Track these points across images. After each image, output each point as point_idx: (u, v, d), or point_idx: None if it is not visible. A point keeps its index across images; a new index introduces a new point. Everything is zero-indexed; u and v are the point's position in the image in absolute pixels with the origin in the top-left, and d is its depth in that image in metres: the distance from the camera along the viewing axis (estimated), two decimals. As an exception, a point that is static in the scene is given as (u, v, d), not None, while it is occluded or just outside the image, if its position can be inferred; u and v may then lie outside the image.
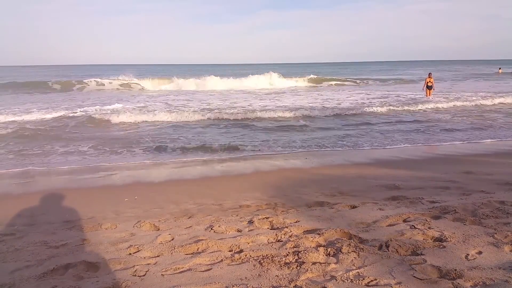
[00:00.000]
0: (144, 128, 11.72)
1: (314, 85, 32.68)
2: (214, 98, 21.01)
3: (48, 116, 13.78)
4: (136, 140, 9.55)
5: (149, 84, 31.20)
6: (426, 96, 18.95)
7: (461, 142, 9.04)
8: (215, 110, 14.92)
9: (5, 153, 8.30)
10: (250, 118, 13.31)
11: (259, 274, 2.68)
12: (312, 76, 35.64)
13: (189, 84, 30.46)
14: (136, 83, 31.22)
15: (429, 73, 19.83)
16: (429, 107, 15.82)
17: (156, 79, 33.65)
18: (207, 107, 16.71)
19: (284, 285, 2.52)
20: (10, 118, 13.46)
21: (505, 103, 16.99)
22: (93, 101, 19.62)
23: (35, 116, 13.76)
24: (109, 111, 14.70)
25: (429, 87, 19.09)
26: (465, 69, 64.46)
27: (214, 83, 29.70)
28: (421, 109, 15.34)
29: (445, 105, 16.28)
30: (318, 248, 3.06)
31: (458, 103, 16.78)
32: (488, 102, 17.21)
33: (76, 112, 14.51)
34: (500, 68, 44.56)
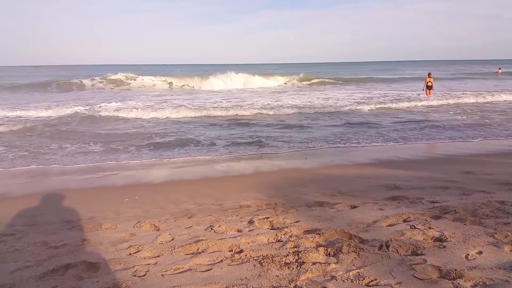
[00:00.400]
0: (152, 124, 12.03)
1: (301, 84, 33.13)
2: (218, 97, 21.29)
3: (55, 113, 14.27)
4: (141, 138, 9.63)
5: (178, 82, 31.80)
6: (426, 95, 18.99)
7: (451, 140, 9.17)
8: (211, 108, 15.33)
9: (15, 150, 8.35)
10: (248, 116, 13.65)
11: (259, 274, 2.68)
12: (301, 75, 36.11)
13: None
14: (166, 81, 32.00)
15: (429, 73, 19.86)
16: (426, 105, 16.03)
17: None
18: (215, 105, 17.13)
19: (284, 285, 2.52)
20: (24, 113, 14.08)
21: (497, 101, 17.34)
22: (117, 99, 20.05)
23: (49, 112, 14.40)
24: (120, 108, 15.26)
25: (429, 87, 19.12)
26: (465, 69, 64.38)
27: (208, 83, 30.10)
28: (416, 106, 15.59)
29: (442, 103, 16.60)
30: (318, 248, 3.06)
31: (452, 101, 17.12)
32: (481, 100, 17.68)
33: (80, 109, 14.89)
34: (499, 69, 44.03)
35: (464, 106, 15.91)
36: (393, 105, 15.77)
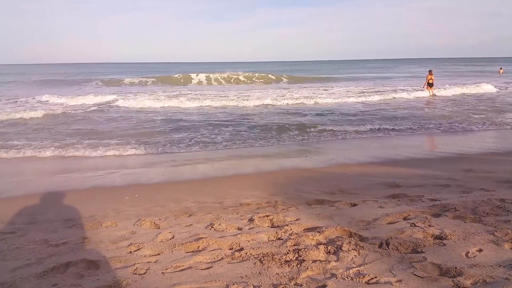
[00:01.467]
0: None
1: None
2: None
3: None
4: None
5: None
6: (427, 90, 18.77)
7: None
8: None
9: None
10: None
11: (259, 272, 2.68)
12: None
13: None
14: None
15: (430, 70, 19.37)
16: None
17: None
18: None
19: (284, 283, 2.53)
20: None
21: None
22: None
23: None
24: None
25: (430, 84, 18.73)
26: (466, 67, 64.11)
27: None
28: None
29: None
30: (319, 246, 3.07)
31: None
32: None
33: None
34: (501, 68, 43.53)
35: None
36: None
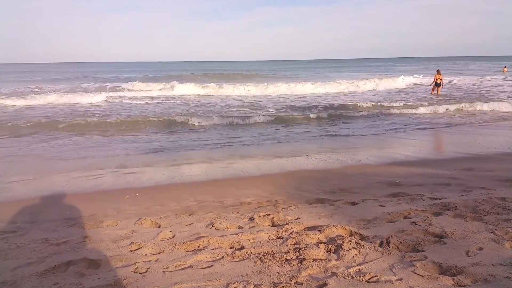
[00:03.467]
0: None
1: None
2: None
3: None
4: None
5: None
6: (431, 93, 18.40)
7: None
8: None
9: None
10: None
11: (260, 271, 2.68)
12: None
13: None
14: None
15: (438, 70, 18.64)
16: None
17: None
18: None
19: (285, 281, 2.53)
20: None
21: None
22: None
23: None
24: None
25: (437, 84, 18.22)
26: (468, 65, 63.70)
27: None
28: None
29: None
30: (319, 244, 3.07)
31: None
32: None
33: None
34: (505, 67, 43.04)
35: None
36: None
